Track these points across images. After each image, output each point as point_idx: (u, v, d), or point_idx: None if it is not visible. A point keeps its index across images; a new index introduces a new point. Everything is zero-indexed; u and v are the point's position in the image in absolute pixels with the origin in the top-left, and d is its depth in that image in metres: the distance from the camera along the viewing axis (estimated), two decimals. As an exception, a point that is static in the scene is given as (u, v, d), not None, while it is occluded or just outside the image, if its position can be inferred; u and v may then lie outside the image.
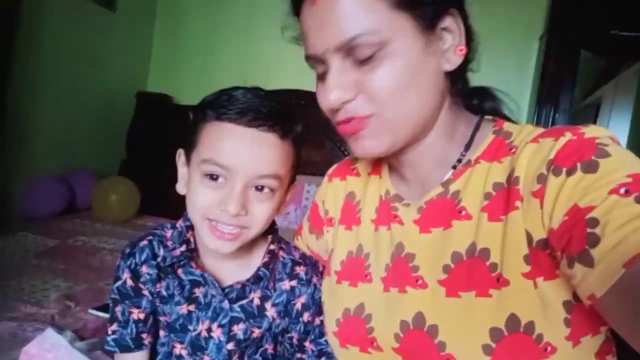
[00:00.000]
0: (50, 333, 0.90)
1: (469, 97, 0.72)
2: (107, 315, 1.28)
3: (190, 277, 0.76)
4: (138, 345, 0.77)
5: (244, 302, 0.76)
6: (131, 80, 3.17)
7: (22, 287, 1.46)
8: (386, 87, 0.58)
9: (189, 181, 0.73)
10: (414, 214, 0.69)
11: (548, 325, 0.53)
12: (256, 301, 0.77)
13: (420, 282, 0.64)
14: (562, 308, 0.53)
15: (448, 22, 0.61)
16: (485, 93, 0.75)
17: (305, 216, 0.93)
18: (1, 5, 2.08)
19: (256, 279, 0.77)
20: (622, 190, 0.45)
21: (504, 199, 0.58)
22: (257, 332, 0.77)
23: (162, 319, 0.78)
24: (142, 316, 0.76)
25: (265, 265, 0.77)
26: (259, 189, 0.70)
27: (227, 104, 0.69)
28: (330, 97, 0.59)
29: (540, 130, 0.60)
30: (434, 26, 0.59)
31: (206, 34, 3.19)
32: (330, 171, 0.90)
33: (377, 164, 0.80)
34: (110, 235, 2.19)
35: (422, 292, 0.64)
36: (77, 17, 2.65)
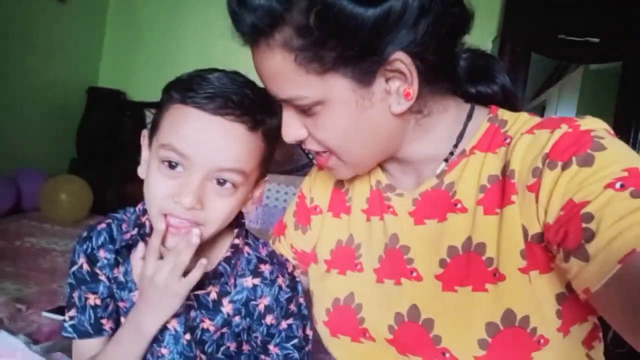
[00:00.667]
0: (3, 336, 0.84)
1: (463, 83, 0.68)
2: (62, 318, 1.22)
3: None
4: (97, 331, 0.73)
5: (199, 292, 0.72)
6: (81, 75, 3.03)
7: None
8: (329, 138, 0.60)
9: (148, 167, 0.67)
10: (409, 206, 0.67)
11: (541, 319, 0.53)
12: (213, 295, 0.73)
13: (415, 274, 0.64)
14: (555, 300, 0.53)
15: (393, 67, 0.55)
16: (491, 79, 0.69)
17: (289, 213, 0.87)
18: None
19: (215, 274, 0.72)
20: (618, 185, 0.45)
21: (499, 191, 0.58)
22: (212, 328, 0.73)
23: (120, 304, 0.75)
24: (98, 302, 0.73)
25: (227, 260, 0.73)
26: (220, 182, 0.65)
27: (196, 87, 0.63)
28: (285, 136, 0.63)
29: (536, 120, 0.59)
30: (371, 79, 0.56)
31: (161, 26, 3.09)
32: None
33: None
34: (60, 237, 2.09)
35: (417, 285, 0.63)
36: (24, 8, 2.51)
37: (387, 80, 0.57)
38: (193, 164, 0.62)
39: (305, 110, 0.59)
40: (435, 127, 0.64)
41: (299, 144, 0.65)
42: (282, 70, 0.56)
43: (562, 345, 0.54)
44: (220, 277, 0.73)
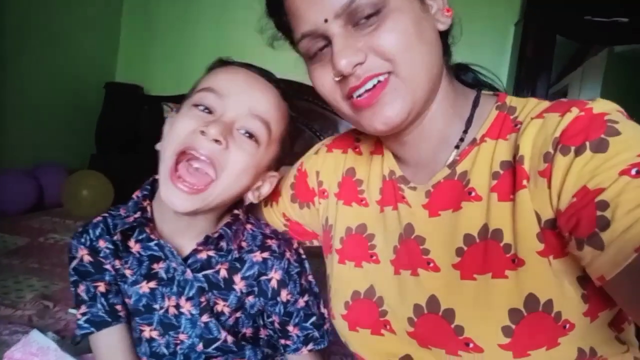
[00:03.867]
0: (35, 335, 0.83)
1: (455, 72, 0.71)
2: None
3: (148, 252, 0.71)
4: (114, 317, 0.73)
5: (208, 271, 0.72)
6: (99, 70, 3.03)
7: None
8: (396, 42, 0.56)
9: (173, 123, 0.69)
10: (422, 198, 0.67)
11: (566, 303, 0.52)
12: (223, 273, 0.73)
13: (432, 264, 0.63)
14: (577, 284, 0.52)
15: None
16: (467, 69, 0.74)
17: (286, 184, 0.87)
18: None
19: (217, 239, 0.71)
20: (633, 171, 0.44)
21: (511, 177, 0.57)
22: (227, 310, 0.72)
23: (127, 301, 0.74)
24: (108, 287, 0.73)
25: (227, 225, 0.72)
26: (247, 135, 0.68)
27: (232, 61, 0.76)
28: (340, 63, 0.56)
29: (545, 104, 0.58)
30: None
31: (177, 21, 3.08)
32: (329, 142, 0.86)
33: (379, 144, 0.77)
34: (83, 232, 2.09)
35: (434, 275, 0.63)
36: (42, 6, 2.51)
37: None
38: (226, 105, 0.67)
39: (367, 22, 0.56)
40: (453, 99, 0.66)
41: (344, 85, 0.60)
42: None
43: (590, 329, 0.53)
44: (227, 254, 0.73)
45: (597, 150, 0.47)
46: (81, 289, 0.73)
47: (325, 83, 0.61)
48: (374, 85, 0.58)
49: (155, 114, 2.83)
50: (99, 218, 0.75)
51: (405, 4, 0.57)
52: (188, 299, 0.71)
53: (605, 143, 0.47)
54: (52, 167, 2.56)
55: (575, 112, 0.51)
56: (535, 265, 0.54)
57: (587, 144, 0.48)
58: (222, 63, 0.74)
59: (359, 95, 0.59)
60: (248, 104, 0.68)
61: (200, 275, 0.71)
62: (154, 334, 0.73)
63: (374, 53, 0.57)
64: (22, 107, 2.47)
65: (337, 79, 0.59)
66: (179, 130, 0.66)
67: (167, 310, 0.72)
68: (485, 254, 0.58)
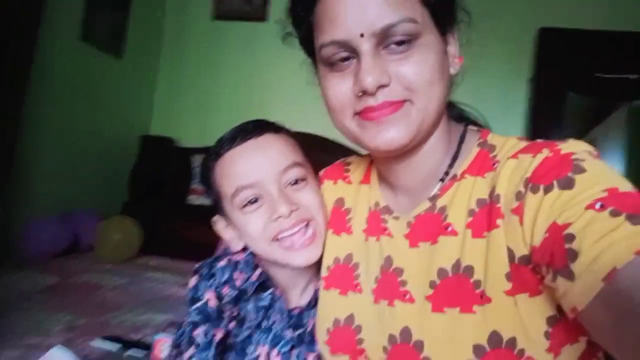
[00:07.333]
0: (56, 351, 0.92)
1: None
2: (110, 346, 1.30)
3: (262, 303, 0.75)
4: None
5: (300, 330, 0.76)
6: (135, 123, 3.29)
7: (27, 320, 1.48)
8: (421, 75, 0.58)
9: (242, 226, 0.73)
10: (404, 228, 0.69)
11: (529, 340, 0.53)
12: (310, 328, 0.76)
13: (408, 296, 0.65)
14: (545, 323, 0.53)
15: (450, 32, 0.64)
16: (453, 105, 0.75)
17: None
18: (15, 51, 2.18)
19: (314, 302, 0.76)
20: (598, 205, 0.45)
21: (486, 215, 0.59)
22: (311, 357, 0.76)
23: (232, 340, 0.76)
24: (222, 337, 0.74)
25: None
26: (292, 183, 0.72)
27: (218, 144, 0.74)
28: (366, 80, 0.56)
29: (522, 144, 0.60)
30: (445, 32, 0.63)
31: (207, 80, 3.36)
32: (322, 172, 0.88)
33: (367, 172, 0.80)
34: (111, 274, 2.21)
35: (409, 307, 0.64)
36: (85, 64, 2.78)
37: (449, 41, 0.64)
38: (263, 185, 0.70)
39: (398, 49, 0.58)
40: (447, 133, 0.68)
41: (361, 101, 0.60)
42: None
43: None
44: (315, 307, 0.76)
45: (565, 187, 0.49)
46: (199, 331, 0.72)
47: (338, 94, 0.61)
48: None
49: (184, 165, 3.02)
50: (222, 263, 0.76)
51: (434, 41, 0.60)
52: (279, 353, 0.74)
53: (572, 181, 0.49)
54: (87, 213, 2.72)
55: (545, 152, 0.54)
56: (501, 304, 0.55)
57: (555, 182, 0.50)
58: (218, 155, 0.74)
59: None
60: (277, 169, 0.71)
61: (296, 335, 0.75)
62: None
63: (397, 80, 0.58)
64: (63, 156, 2.68)
65: (359, 94, 0.59)
66: (254, 233, 0.71)
67: (256, 358, 0.74)
68: (456, 288, 0.59)
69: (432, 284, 0.62)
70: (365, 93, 0.58)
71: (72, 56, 2.67)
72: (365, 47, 0.57)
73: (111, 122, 3.06)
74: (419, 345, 0.60)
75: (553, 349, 0.53)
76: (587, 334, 0.52)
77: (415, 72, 0.58)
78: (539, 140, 0.59)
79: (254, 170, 0.70)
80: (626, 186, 0.48)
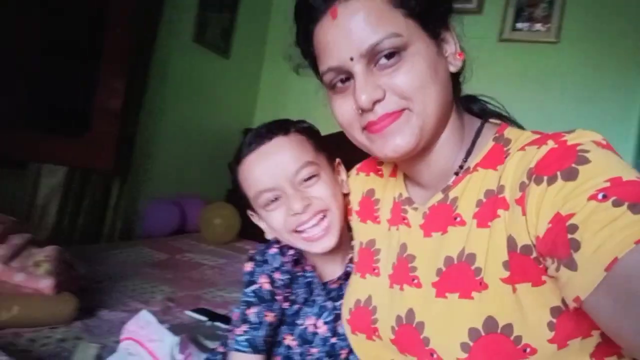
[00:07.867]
0: (143, 313, 1.08)
1: (466, 104, 0.76)
2: (199, 317, 1.47)
3: (305, 280, 0.85)
4: (267, 348, 0.80)
5: (341, 301, 0.84)
6: (240, 117, 3.55)
7: (135, 288, 1.72)
8: (411, 82, 0.61)
9: (267, 220, 0.82)
10: (420, 219, 0.73)
11: (527, 329, 0.55)
12: None
13: (416, 281, 0.69)
14: (548, 313, 0.54)
15: (444, 33, 0.67)
16: (475, 100, 0.78)
17: None
18: (139, 49, 2.49)
19: (346, 275, 0.85)
20: (600, 196, 0.46)
21: (492, 206, 0.61)
22: None
23: (284, 319, 0.85)
24: (274, 319, 0.81)
25: (351, 260, 0.86)
26: (305, 180, 0.78)
27: (239, 149, 0.82)
28: (361, 98, 0.61)
29: (534, 137, 0.61)
30: (437, 35, 0.65)
31: (306, 79, 3.47)
32: (358, 165, 0.94)
33: (395, 168, 0.84)
34: (212, 254, 2.46)
35: (416, 291, 0.68)
36: (198, 63, 3.07)
37: (442, 41, 0.66)
38: (278, 186, 0.77)
39: (388, 63, 0.61)
40: (460, 130, 0.71)
41: (363, 118, 0.65)
42: (381, 11, 0.61)
43: (558, 356, 0.55)
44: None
45: (568, 178, 0.50)
46: (252, 311, 0.79)
47: (344, 113, 0.66)
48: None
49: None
50: (274, 250, 0.83)
51: (423, 47, 0.62)
52: (325, 322, 0.83)
53: (575, 172, 0.50)
54: (195, 198, 3.03)
55: (550, 144, 0.55)
56: (497, 290, 0.57)
57: (559, 173, 0.51)
58: (238, 161, 0.81)
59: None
60: (290, 172, 0.77)
61: (338, 304, 0.84)
62: (293, 343, 0.83)
63: (391, 91, 0.62)
64: (174, 147, 2.99)
65: (359, 112, 0.64)
66: (277, 226, 0.80)
67: (306, 327, 0.83)
68: (458, 275, 0.62)
69: (438, 272, 0.66)
70: (363, 110, 0.63)
71: (186, 56, 2.96)
72: (357, 68, 0.62)
73: (218, 117, 3.34)
74: (420, 326, 0.65)
75: (557, 341, 0.54)
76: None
77: (406, 81, 0.61)
78: (548, 133, 0.60)
79: (268, 175, 0.78)
80: (631, 174, 0.48)
